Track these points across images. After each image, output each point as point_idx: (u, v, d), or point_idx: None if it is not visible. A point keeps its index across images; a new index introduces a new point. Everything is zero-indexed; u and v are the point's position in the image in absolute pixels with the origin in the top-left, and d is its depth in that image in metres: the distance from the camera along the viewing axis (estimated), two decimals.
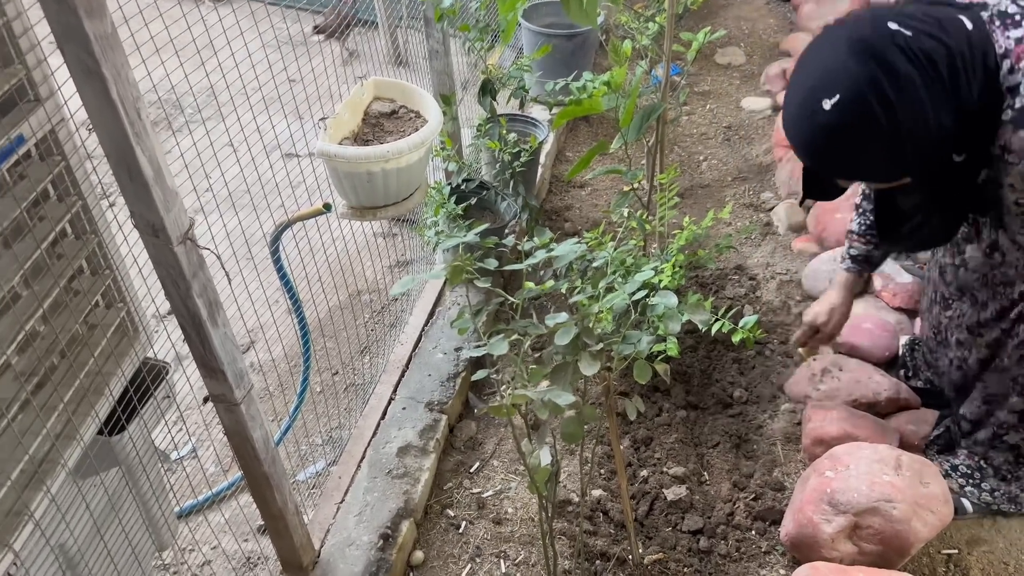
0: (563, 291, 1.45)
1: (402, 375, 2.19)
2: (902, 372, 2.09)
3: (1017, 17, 1.28)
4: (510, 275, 2.36)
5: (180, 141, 1.44)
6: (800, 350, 1.97)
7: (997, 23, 1.28)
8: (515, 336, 1.28)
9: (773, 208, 2.73)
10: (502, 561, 1.79)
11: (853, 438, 1.83)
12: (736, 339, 1.41)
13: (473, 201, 2.28)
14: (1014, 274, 1.55)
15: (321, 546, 1.72)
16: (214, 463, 2.02)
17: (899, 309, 2.24)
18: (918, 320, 2.15)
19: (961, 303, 1.70)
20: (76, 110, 1.03)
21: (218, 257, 1.25)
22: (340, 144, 1.72)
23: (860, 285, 1.92)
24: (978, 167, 1.39)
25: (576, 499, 1.90)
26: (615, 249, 1.51)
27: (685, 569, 1.74)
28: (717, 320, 1.38)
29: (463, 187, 2.30)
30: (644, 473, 1.96)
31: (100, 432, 1.16)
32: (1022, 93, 1.25)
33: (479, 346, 1.35)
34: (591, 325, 1.35)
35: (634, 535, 1.74)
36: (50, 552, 1.14)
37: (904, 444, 1.88)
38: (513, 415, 1.23)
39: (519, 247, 1.54)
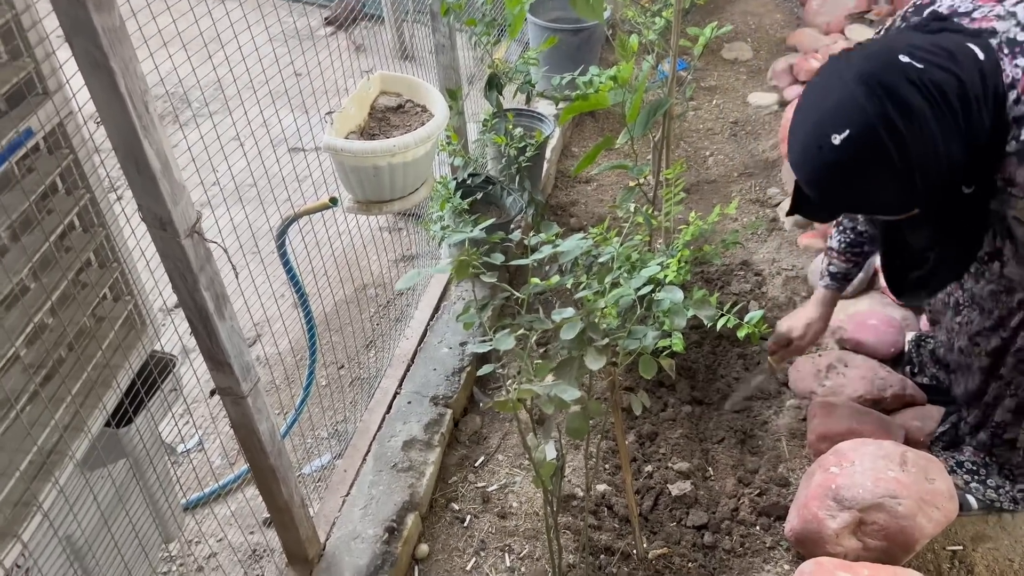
0: (568, 287, 1.45)
1: (407, 369, 2.19)
2: (908, 368, 2.09)
3: None
4: (515, 270, 2.36)
5: (188, 135, 1.44)
6: (770, 358, 1.95)
7: (1006, 51, 1.25)
8: (521, 331, 1.28)
9: (779, 204, 2.72)
10: (507, 555, 1.80)
11: (858, 434, 1.82)
12: (741, 334, 1.41)
13: (479, 196, 2.28)
14: (1016, 283, 1.53)
15: (327, 539, 1.73)
16: (220, 456, 2.02)
17: (904, 306, 2.23)
18: (923, 316, 2.14)
19: (971, 310, 1.68)
20: (84, 103, 1.03)
21: (225, 251, 1.25)
22: (346, 138, 1.72)
23: (837, 301, 1.90)
24: (987, 198, 1.37)
25: (581, 494, 1.91)
26: (621, 244, 1.51)
27: (689, 564, 1.75)
28: (723, 316, 1.38)
29: (469, 182, 2.30)
30: (649, 468, 1.96)
31: (107, 424, 1.16)
32: None
33: (484, 341, 1.36)
34: (597, 320, 1.35)
35: (639, 530, 1.74)
36: (58, 543, 1.15)
37: (909, 440, 1.88)
38: (519, 410, 1.24)
39: (525, 242, 1.55)
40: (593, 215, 2.79)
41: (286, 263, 1.73)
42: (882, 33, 1.54)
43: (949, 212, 1.39)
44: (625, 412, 2.04)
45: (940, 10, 1.38)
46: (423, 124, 1.65)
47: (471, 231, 1.49)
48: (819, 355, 2.09)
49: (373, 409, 2.07)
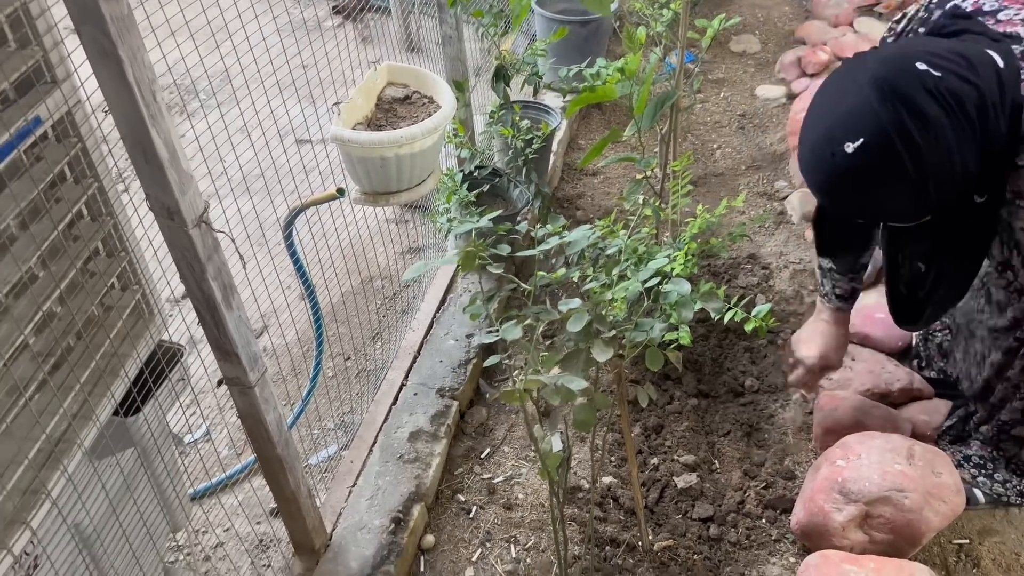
0: (575, 279, 1.44)
1: (414, 361, 2.19)
2: (915, 362, 2.08)
3: None
4: (522, 264, 2.36)
5: (195, 124, 1.44)
6: (802, 392, 1.88)
7: None
8: (528, 321, 1.28)
9: (787, 197, 2.71)
10: (512, 546, 1.80)
11: (865, 428, 1.82)
12: (749, 328, 1.40)
13: (485, 188, 2.28)
14: None
15: (333, 529, 1.73)
16: (227, 446, 2.03)
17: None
18: None
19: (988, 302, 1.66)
20: (92, 92, 1.03)
21: (232, 240, 1.25)
22: (353, 129, 1.72)
23: (850, 315, 1.81)
24: (997, 208, 1.35)
25: (586, 486, 1.91)
26: (628, 237, 1.50)
27: (695, 556, 1.75)
28: (730, 309, 1.38)
29: (475, 174, 2.29)
30: (655, 461, 1.96)
31: (115, 413, 1.17)
32: None
33: (491, 332, 1.36)
34: (604, 312, 1.35)
35: (644, 521, 1.75)
36: (67, 531, 1.15)
37: (916, 434, 1.88)
38: (525, 401, 1.24)
39: (532, 233, 1.54)
40: (600, 208, 2.78)
41: (293, 254, 1.74)
42: (902, 24, 1.51)
43: (958, 221, 1.37)
44: (631, 405, 2.04)
45: (964, 7, 1.35)
46: (430, 115, 1.65)
47: (478, 221, 1.49)
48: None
49: (379, 400, 2.08)
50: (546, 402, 1.32)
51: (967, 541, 1.72)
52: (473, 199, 1.91)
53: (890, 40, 1.54)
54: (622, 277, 1.40)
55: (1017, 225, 1.33)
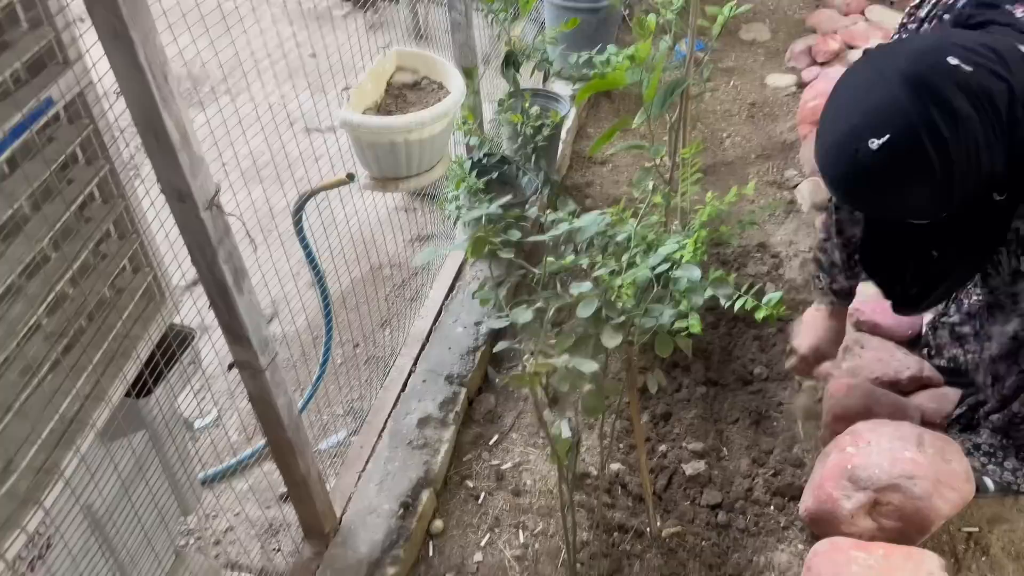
0: (584, 266, 1.44)
1: (422, 348, 2.20)
2: (925, 351, 2.07)
3: None
4: (531, 250, 2.36)
5: (206, 109, 1.45)
6: (798, 377, 1.95)
7: None
8: (539, 304, 1.28)
9: (797, 186, 2.70)
10: (520, 531, 1.81)
11: (874, 415, 1.81)
12: (760, 316, 1.39)
13: (494, 176, 2.28)
14: None
15: (343, 513, 1.74)
16: (238, 432, 2.04)
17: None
18: None
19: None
20: (104, 73, 1.04)
21: (243, 224, 1.26)
22: (363, 114, 1.72)
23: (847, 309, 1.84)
24: (1014, 207, 1.32)
25: (595, 472, 1.91)
26: (638, 224, 1.50)
27: (703, 543, 1.75)
28: (740, 296, 1.37)
29: (484, 162, 2.29)
30: (663, 448, 1.96)
31: (127, 395, 1.17)
32: None
33: (502, 316, 1.36)
34: (613, 299, 1.34)
35: (652, 508, 1.75)
36: (79, 511, 1.16)
37: (926, 422, 1.87)
38: (535, 385, 1.24)
39: (542, 219, 1.54)
40: (608, 197, 2.78)
41: (303, 239, 1.74)
42: (925, 9, 1.48)
43: (973, 218, 1.33)
44: (639, 392, 2.04)
45: None
46: (440, 101, 1.65)
47: (488, 207, 1.49)
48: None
49: (388, 387, 2.08)
50: (555, 390, 1.32)
51: (976, 529, 1.71)
52: (482, 186, 1.91)
53: (912, 26, 1.51)
54: (631, 265, 1.40)
55: None
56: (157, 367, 1.20)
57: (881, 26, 3.32)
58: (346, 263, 2.09)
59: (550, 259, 1.43)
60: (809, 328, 1.87)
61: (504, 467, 1.96)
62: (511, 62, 2.09)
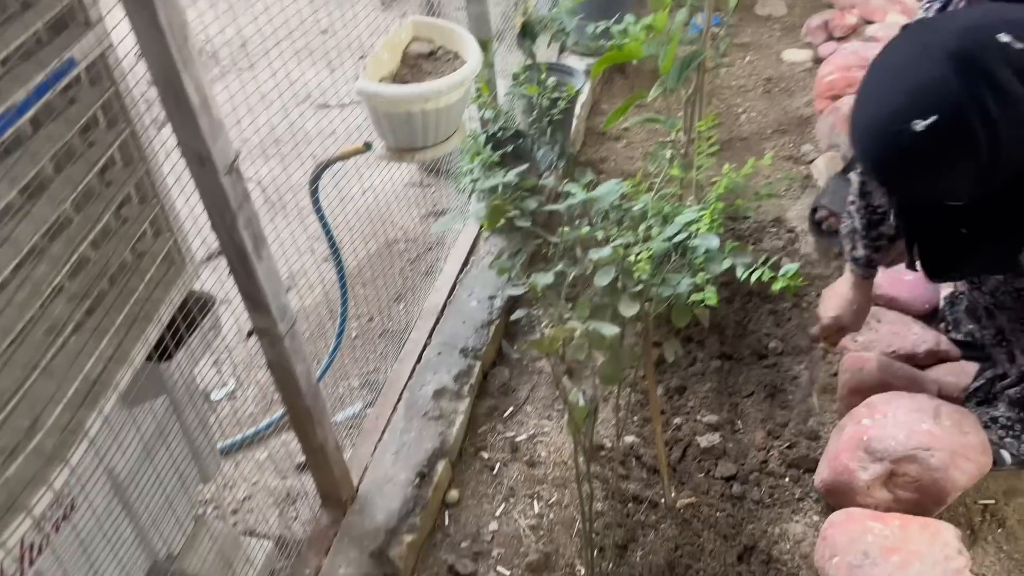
0: (599, 239, 1.43)
1: (436, 322, 2.20)
2: (942, 325, 2.06)
3: None
4: (545, 224, 2.35)
5: (218, 85, 1.44)
6: (823, 344, 1.95)
7: None
8: (559, 267, 1.28)
9: (813, 161, 2.68)
10: (535, 502, 1.82)
11: (891, 388, 1.81)
12: (777, 287, 1.38)
13: (509, 149, 2.27)
14: None
15: (359, 482, 1.75)
16: (255, 403, 2.06)
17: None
18: None
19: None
20: (125, 35, 1.04)
21: (263, 190, 1.26)
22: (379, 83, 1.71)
23: (873, 281, 1.80)
24: None
25: (609, 444, 1.92)
26: (655, 196, 1.49)
27: (718, 514, 1.75)
28: (757, 268, 1.36)
29: (499, 135, 2.28)
30: (677, 421, 1.97)
31: (149, 358, 1.18)
32: None
33: (519, 284, 1.36)
34: (631, 268, 1.34)
35: (667, 478, 1.75)
36: (102, 474, 1.17)
37: (943, 395, 1.86)
38: (554, 350, 1.24)
39: (558, 190, 1.54)
40: (622, 172, 2.76)
41: (318, 209, 1.74)
42: None
43: (1009, 197, 1.27)
44: (655, 365, 2.04)
45: None
46: (456, 71, 1.64)
47: (505, 176, 1.49)
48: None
49: (403, 360, 2.09)
50: (570, 365, 1.32)
51: (992, 501, 1.71)
52: (497, 160, 1.90)
53: (936, 4, 1.47)
54: (647, 238, 1.39)
55: None
56: (178, 332, 1.21)
57: (900, 0, 3.28)
58: (363, 237, 2.10)
59: (566, 229, 1.43)
60: (832, 298, 1.86)
61: (519, 439, 1.97)
62: (528, 33, 2.07)
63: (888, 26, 3.10)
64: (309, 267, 2.28)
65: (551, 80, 2.23)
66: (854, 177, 1.69)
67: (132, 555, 1.31)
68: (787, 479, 1.82)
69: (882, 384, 1.84)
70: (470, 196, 2.16)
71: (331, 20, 1.66)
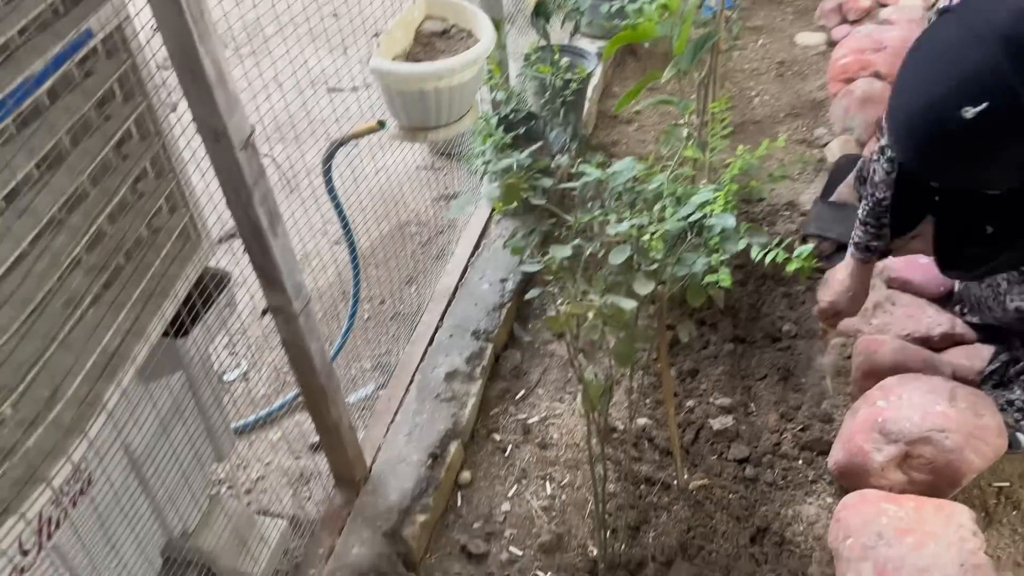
0: (612, 220, 1.42)
1: (448, 304, 2.20)
2: (957, 308, 2.05)
3: None
4: (558, 204, 2.35)
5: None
6: (823, 324, 1.96)
7: None
8: (577, 241, 1.27)
9: (827, 144, 2.66)
10: (547, 483, 1.82)
11: (905, 371, 1.80)
12: (791, 268, 1.38)
13: (521, 131, 2.26)
14: None
15: (372, 463, 1.76)
16: (267, 385, 2.06)
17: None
18: None
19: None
20: (141, 7, 1.03)
21: (278, 166, 1.25)
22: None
23: (872, 268, 1.81)
24: None
25: (622, 427, 1.91)
26: (669, 176, 1.48)
27: (730, 495, 1.75)
28: (771, 249, 1.35)
29: (511, 117, 2.27)
30: (690, 403, 1.96)
31: (165, 334, 1.18)
32: None
33: (535, 261, 1.35)
34: (646, 247, 1.33)
35: (680, 460, 1.75)
36: (119, 449, 1.18)
37: (958, 378, 1.85)
38: (570, 326, 1.23)
39: (572, 169, 1.53)
40: (635, 156, 2.74)
41: (331, 188, 1.74)
42: None
43: None
44: (668, 347, 2.04)
45: None
46: (469, 49, 1.63)
47: (519, 156, 1.48)
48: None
49: (415, 342, 2.09)
50: (583, 346, 1.32)
51: (1007, 484, 1.70)
52: (509, 142, 1.90)
53: None
54: (661, 219, 1.39)
55: None
56: (194, 308, 1.21)
57: None
58: (376, 219, 2.09)
59: (580, 212, 1.42)
60: (831, 282, 1.88)
61: (531, 421, 1.97)
62: (541, 12, 2.06)
63: (902, 9, 3.07)
64: (322, 248, 2.28)
65: (565, 59, 2.22)
66: (878, 166, 1.67)
67: (148, 531, 1.31)
68: (800, 461, 1.81)
69: (896, 367, 1.83)
70: (482, 178, 2.16)
71: (343, 2, 1.66)
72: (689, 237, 1.37)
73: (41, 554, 1.01)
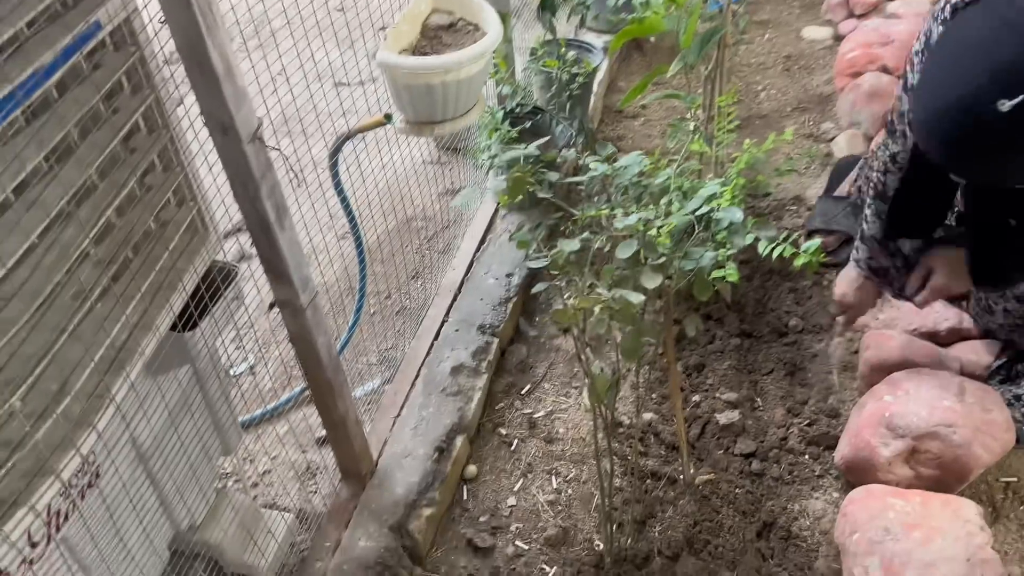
0: (618, 215, 1.42)
1: (454, 299, 2.20)
2: (964, 303, 2.04)
3: None
4: (565, 198, 2.34)
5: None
6: (840, 318, 1.96)
7: None
8: (586, 234, 1.27)
9: (834, 139, 2.65)
10: (553, 477, 1.82)
11: (912, 365, 1.80)
12: (798, 263, 1.37)
13: (527, 125, 2.26)
14: None
15: (378, 457, 1.76)
16: (274, 379, 2.06)
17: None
18: None
19: None
20: (149, 0, 1.03)
21: (286, 159, 1.25)
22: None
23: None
24: None
25: (628, 421, 1.91)
26: (676, 170, 1.48)
27: (737, 490, 1.75)
28: (779, 244, 1.35)
29: (517, 111, 2.27)
30: (696, 398, 1.96)
31: (173, 328, 1.18)
32: None
33: (541, 256, 1.35)
34: (653, 241, 1.33)
35: (686, 455, 1.75)
36: (127, 442, 1.18)
37: (965, 373, 1.84)
38: (578, 320, 1.23)
39: (579, 161, 1.53)
40: (641, 151, 2.74)
41: (337, 182, 1.74)
42: None
43: None
44: (675, 341, 2.03)
45: None
46: (476, 42, 1.63)
47: (525, 149, 1.48)
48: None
49: (421, 336, 2.09)
50: (590, 340, 1.31)
51: (1015, 479, 1.70)
52: (515, 135, 1.90)
53: None
54: (668, 213, 1.38)
55: None
56: (202, 301, 1.21)
57: None
58: (383, 214, 2.09)
59: (587, 206, 1.42)
60: (841, 280, 1.86)
61: (536, 415, 1.97)
62: (548, 5, 2.05)
63: (909, 3, 3.05)
64: (328, 243, 2.28)
65: (571, 53, 2.22)
66: (882, 154, 1.67)
67: (155, 524, 1.32)
68: (807, 456, 1.81)
69: (903, 362, 1.82)
70: (488, 172, 2.16)
71: None
72: (696, 231, 1.36)
73: (50, 546, 1.01)
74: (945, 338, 1.95)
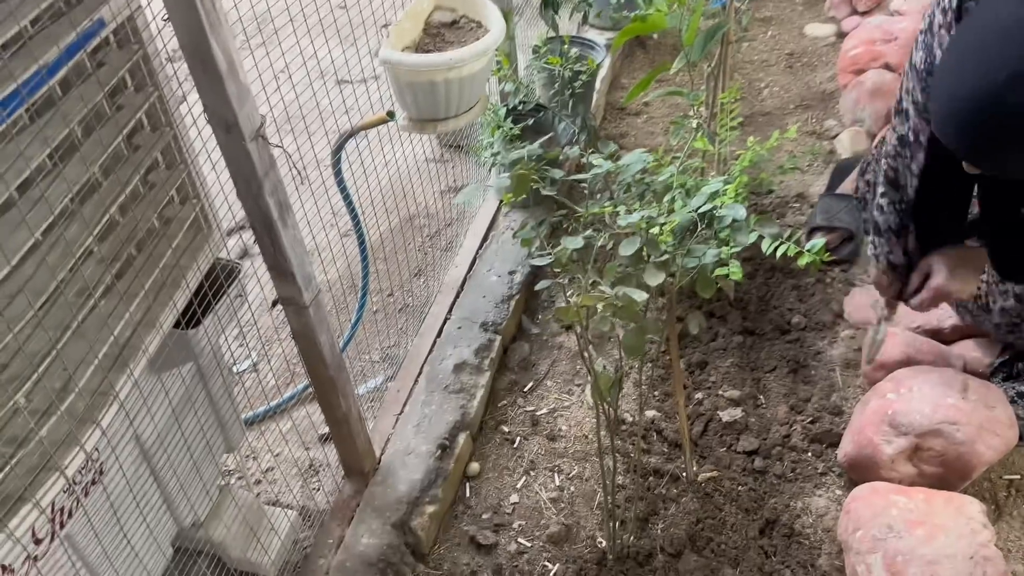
0: (621, 213, 1.42)
1: (457, 296, 2.20)
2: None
3: None
4: (567, 196, 2.34)
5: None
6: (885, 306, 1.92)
7: None
8: (588, 232, 1.27)
9: (837, 136, 2.65)
10: (556, 475, 1.82)
11: (916, 363, 1.80)
12: (803, 262, 1.37)
13: (530, 123, 2.25)
14: None
15: (381, 454, 1.76)
16: (277, 376, 2.07)
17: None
18: None
19: None
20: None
21: (288, 156, 1.25)
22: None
23: None
24: None
25: (631, 419, 1.91)
26: (679, 167, 1.48)
27: (739, 487, 1.75)
28: (783, 242, 1.34)
29: (520, 108, 2.27)
30: (699, 395, 1.96)
31: (176, 325, 1.19)
32: None
33: (544, 254, 1.35)
34: (656, 239, 1.33)
35: (689, 452, 1.75)
36: (130, 439, 1.18)
37: (968, 371, 1.84)
38: (581, 317, 1.23)
39: (583, 158, 1.52)
40: (643, 148, 2.74)
41: (340, 180, 1.74)
42: None
43: None
44: (677, 339, 2.03)
45: None
46: (479, 40, 1.63)
47: (529, 145, 1.48)
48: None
49: (424, 334, 2.09)
50: (592, 339, 1.31)
51: (1018, 476, 1.69)
52: (517, 133, 1.89)
53: None
54: (671, 211, 1.38)
55: None
56: (205, 298, 1.21)
57: None
58: (385, 211, 2.09)
59: (590, 203, 1.42)
60: (870, 268, 1.81)
61: (539, 413, 1.97)
62: (550, 3, 2.05)
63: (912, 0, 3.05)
64: (331, 240, 2.28)
65: (575, 50, 2.21)
66: (887, 145, 1.66)
67: (159, 521, 1.32)
68: (810, 454, 1.81)
69: (907, 359, 1.82)
70: (490, 170, 2.16)
71: None
72: (699, 229, 1.36)
73: (54, 543, 1.01)
74: (948, 335, 1.95)
